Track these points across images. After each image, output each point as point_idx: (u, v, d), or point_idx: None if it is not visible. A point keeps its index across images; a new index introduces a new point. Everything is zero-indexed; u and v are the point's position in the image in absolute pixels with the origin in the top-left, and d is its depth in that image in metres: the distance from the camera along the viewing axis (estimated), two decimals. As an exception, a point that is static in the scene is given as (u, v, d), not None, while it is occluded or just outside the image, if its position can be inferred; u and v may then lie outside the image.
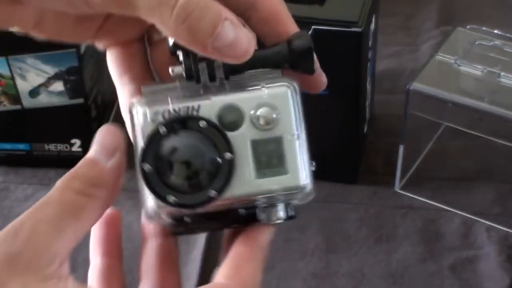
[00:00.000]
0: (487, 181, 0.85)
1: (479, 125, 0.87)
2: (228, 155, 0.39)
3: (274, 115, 0.40)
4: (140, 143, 0.40)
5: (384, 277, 0.77)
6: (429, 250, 0.79)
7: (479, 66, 0.79)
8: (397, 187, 0.85)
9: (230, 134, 0.40)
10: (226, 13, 0.38)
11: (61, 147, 0.87)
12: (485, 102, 0.77)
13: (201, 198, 0.40)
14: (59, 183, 0.39)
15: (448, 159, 0.88)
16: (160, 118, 0.40)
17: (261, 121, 0.40)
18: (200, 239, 0.79)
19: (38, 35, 0.42)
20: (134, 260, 0.45)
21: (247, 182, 0.40)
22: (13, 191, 0.86)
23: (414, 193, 0.84)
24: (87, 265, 0.44)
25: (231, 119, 0.40)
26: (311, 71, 0.42)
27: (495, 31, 0.84)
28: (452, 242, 0.80)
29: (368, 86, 0.85)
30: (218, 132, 0.40)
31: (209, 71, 0.41)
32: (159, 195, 0.39)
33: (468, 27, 0.85)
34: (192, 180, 0.39)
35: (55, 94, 0.83)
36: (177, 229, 0.42)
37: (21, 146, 0.87)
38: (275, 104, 0.40)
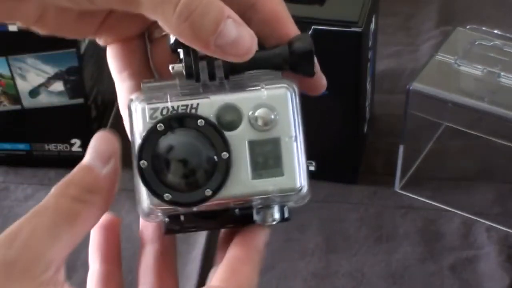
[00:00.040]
0: (487, 181, 0.85)
1: (479, 125, 0.87)
2: (225, 154, 0.39)
3: (273, 116, 0.40)
4: (138, 140, 0.40)
5: (384, 277, 0.77)
6: (429, 250, 0.79)
7: (479, 66, 0.79)
8: (397, 187, 0.85)
9: (228, 134, 0.40)
10: (229, 11, 0.38)
11: (61, 147, 0.87)
12: (485, 102, 0.77)
13: (197, 197, 0.40)
14: (54, 189, 0.39)
15: (448, 159, 0.88)
16: (159, 115, 0.40)
17: (259, 122, 0.40)
18: (200, 239, 0.79)
19: (40, 30, 0.42)
20: (134, 260, 0.45)
21: (243, 182, 0.40)
22: (13, 191, 0.86)
23: (414, 193, 0.84)
24: (87, 265, 0.44)
25: (229, 118, 0.40)
26: (311, 73, 0.42)
27: (495, 31, 0.84)
28: (452, 242, 0.80)
29: (368, 86, 0.85)
30: (216, 131, 0.40)
31: (209, 70, 0.41)
32: (155, 192, 0.39)
33: (468, 27, 0.85)
34: (188, 179, 0.39)
35: (55, 94, 0.83)
36: (172, 227, 0.42)
37: (21, 146, 0.87)
38: (274, 105, 0.40)
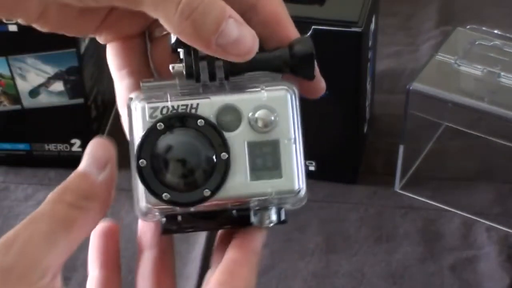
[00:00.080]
0: (487, 181, 0.85)
1: (479, 125, 0.87)
2: (224, 155, 0.39)
3: (272, 118, 0.40)
4: (137, 139, 0.40)
5: (384, 277, 0.77)
6: (429, 250, 0.79)
7: (479, 66, 0.79)
8: (397, 187, 0.85)
9: (227, 135, 0.40)
10: (230, 11, 0.38)
11: (61, 147, 0.87)
12: (485, 102, 0.77)
13: (195, 197, 0.40)
14: (51, 196, 0.39)
15: (448, 159, 0.88)
16: (159, 114, 0.40)
17: (259, 123, 0.40)
18: (200, 239, 0.79)
19: (41, 27, 0.42)
20: (134, 260, 0.45)
21: (241, 183, 0.40)
22: (13, 191, 0.86)
23: (414, 193, 0.84)
24: (86, 265, 0.44)
25: (229, 119, 0.40)
26: (311, 76, 0.42)
27: (495, 31, 0.84)
28: (452, 242, 0.80)
29: (368, 86, 0.85)
30: (216, 132, 0.40)
31: (210, 70, 0.41)
32: (154, 191, 0.39)
33: (468, 27, 0.85)
34: (187, 179, 0.39)
35: (55, 94, 0.83)
36: (169, 227, 0.42)
37: (21, 146, 0.87)
38: (274, 107, 0.40)
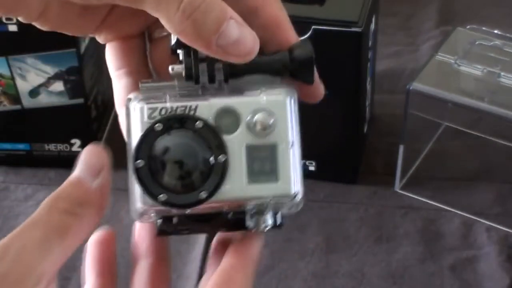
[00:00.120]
0: (487, 181, 0.85)
1: (479, 125, 0.87)
2: (222, 157, 0.39)
3: (271, 121, 0.40)
4: (135, 139, 0.40)
5: (384, 277, 0.77)
6: (429, 250, 0.79)
7: (479, 66, 0.79)
8: (397, 187, 0.85)
9: (225, 137, 0.40)
10: (231, 12, 0.38)
11: (61, 147, 0.87)
12: (485, 102, 0.77)
13: (192, 199, 0.39)
14: (45, 203, 0.38)
15: (448, 159, 0.88)
16: (157, 115, 0.40)
17: (258, 127, 0.40)
18: (200, 239, 0.79)
19: (42, 26, 0.42)
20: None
21: (238, 186, 0.40)
22: (13, 191, 0.86)
23: (414, 193, 0.84)
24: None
25: (227, 122, 0.40)
26: (311, 81, 0.42)
27: (495, 31, 0.84)
28: (452, 242, 0.80)
29: (368, 86, 0.85)
30: (214, 134, 0.40)
31: (209, 72, 0.41)
32: (150, 193, 0.39)
33: (468, 27, 0.85)
34: (184, 180, 0.39)
35: (55, 94, 0.83)
36: (165, 229, 0.42)
37: (21, 146, 0.87)
38: (273, 111, 0.40)
